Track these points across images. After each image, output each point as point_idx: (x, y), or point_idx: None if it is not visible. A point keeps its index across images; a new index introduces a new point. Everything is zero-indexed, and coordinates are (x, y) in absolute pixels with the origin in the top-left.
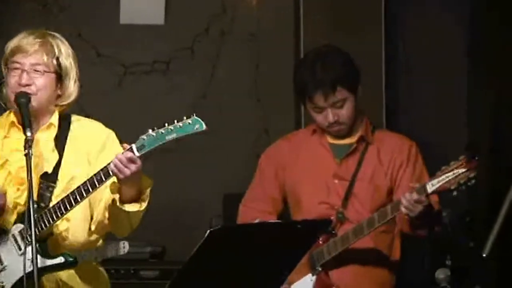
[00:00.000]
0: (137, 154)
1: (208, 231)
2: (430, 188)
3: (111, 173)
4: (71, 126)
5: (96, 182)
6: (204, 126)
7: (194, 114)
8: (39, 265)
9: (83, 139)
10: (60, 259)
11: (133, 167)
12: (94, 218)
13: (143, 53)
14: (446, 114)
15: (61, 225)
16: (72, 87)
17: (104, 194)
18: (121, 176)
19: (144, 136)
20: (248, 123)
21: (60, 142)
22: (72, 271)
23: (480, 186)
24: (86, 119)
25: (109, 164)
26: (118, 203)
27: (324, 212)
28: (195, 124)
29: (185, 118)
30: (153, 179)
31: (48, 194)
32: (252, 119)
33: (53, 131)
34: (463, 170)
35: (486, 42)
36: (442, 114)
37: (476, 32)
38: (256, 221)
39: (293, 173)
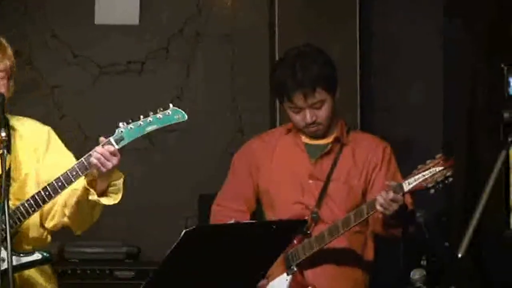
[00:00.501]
0: (116, 146)
1: (184, 231)
2: (406, 186)
3: (88, 167)
4: (14, 125)
5: (72, 177)
6: (186, 116)
7: (171, 105)
8: (14, 263)
9: (29, 137)
10: (37, 256)
11: (115, 160)
12: (51, 215)
13: (118, 54)
14: (421, 114)
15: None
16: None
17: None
18: (103, 169)
19: (121, 129)
20: (223, 123)
21: (8, 140)
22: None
23: (456, 186)
24: (24, 117)
25: (86, 158)
26: (94, 197)
27: (298, 212)
28: (175, 114)
29: (161, 109)
30: (129, 180)
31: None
32: (227, 119)
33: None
34: (440, 168)
35: (460, 42)
36: (417, 114)
37: (449, 31)
38: (231, 221)
39: (267, 173)
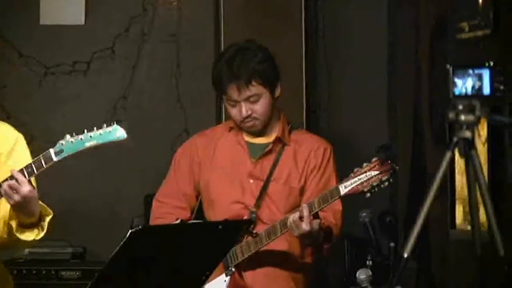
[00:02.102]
0: (55, 159)
1: (129, 231)
2: (343, 190)
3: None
4: None
5: None
6: (125, 135)
7: (115, 122)
8: None
9: None
10: None
11: (22, 191)
12: None
13: (63, 54)
14: (366, 114)
15: None
16: None
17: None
18: (10, 201)
19: (62, 141)
20: (168, 123)
21: None
22: None
23: (401, 186)
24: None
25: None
26: (14, 230)
27: (237, 211)
28: (115, 132)
29: (105, 125)
30: (75, 180)
31: None
32: (172, 119)
33: None
34: (376, 172)
35: (404, 42)
36: (362, 114)
37: (394, 33)
38: (177, 221)
39: (208, 170)
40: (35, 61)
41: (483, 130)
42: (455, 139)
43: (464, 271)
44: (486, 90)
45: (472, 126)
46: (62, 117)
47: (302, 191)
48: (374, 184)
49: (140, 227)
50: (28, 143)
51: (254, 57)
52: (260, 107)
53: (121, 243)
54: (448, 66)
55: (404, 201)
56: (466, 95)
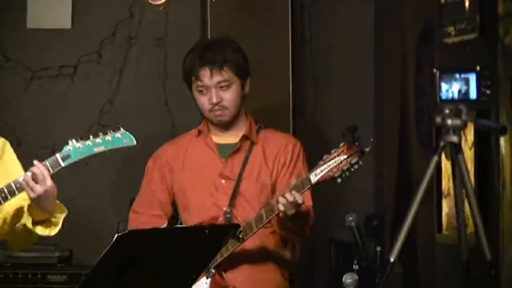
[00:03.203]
0: (62, 164)
1: (116, 235)
2: (313, 178)
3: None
4: None
5: (15, 190)
6: (135, 141)
7: (121, 128)
8: None
9: None
10: None
11: (46, 184)
12: None
13: (50, 58)
14: (352, 119)
15: None
16: None
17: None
18: (32, 194)
19: (69, 147)
20: (155, 128)
21: None
22: None
23: (388, 191)
24: None
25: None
26: (28, 223)
27: (213, 213)
28: (125, 138)
29: (111, 131)
30: (61, 183)
31: None
32: (159, 123)
33: None
34: (345, 156)
35: (391, 48)
36: (348, 119)
37: (381, 38)
38: (164, 226)
39: (180, 176)
40: (22, 65)
41: (470, 134)
42: (442, 144)
43: (450, 275)
44: (473, 94)
45: (459, 130)
46: (49, 121)
47: (273, 188)
48: (344, 168)
49: (126, 231)
50: (15, 148)
51: (228, 47)
52: (229, 95)
53: (108, 247)
54: (434, 70)
55: (391, 205)
56: (452, 100)
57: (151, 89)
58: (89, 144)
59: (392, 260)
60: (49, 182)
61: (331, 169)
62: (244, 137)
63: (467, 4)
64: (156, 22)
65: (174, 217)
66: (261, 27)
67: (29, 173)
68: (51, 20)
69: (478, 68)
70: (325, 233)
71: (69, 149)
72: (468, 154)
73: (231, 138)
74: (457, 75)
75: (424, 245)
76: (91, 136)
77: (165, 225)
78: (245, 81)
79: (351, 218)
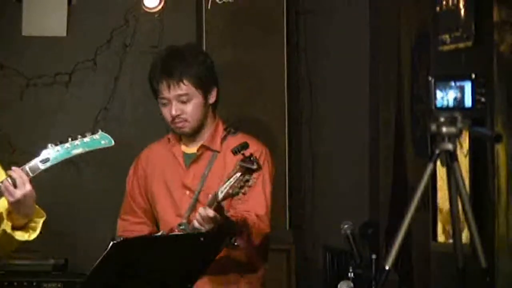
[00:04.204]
0: (41, 167)
1: (111, 243)
2: (220, 195)
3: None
4: None
5: None
6: (112, 142)
7: (100, 130)
8: None
9: None
10: None
11: (24, 189)
12: None
13: (45, 65)
14: (347, 127)
15: None
16: None
17: None
18: (11, 199)
19: (48, 150)
20: (150, 135)
21: None
22: None
23: (383, 198)
24: None
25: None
26: (9, 230)
27: (176, 224)
28: (103, 139)
29: (90, 133)
30: (56, 191)
31: None
32: (154, 131)
33: None
34: (239, 174)
35: (386, 55)
36: (344, 127)
37: (376, 45)
38: (160, 233)
39: (152, 183)
40: (17, 73)
41: (465, 142)
42: (437, 151)
43: (446, 283)
44: (468, 102)
45: (454, 138)
46: (44, 129)
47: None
48: (239, 185)
49: (121, 239)
50: (10, 155)
51: (189, 58)
52: (189, 108)
53: (103, 255)
54: (430, 78)
55: (386, 213)
56: (448, 107)
57: (146, 97)
58: (67, 147)
59: (387, 268)
60: (28, 186)
61: (231, 186)
62: (203, 147)
63: (462, 12)
64: (151, 30)
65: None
66: (256, 34)
67: (8, 179)
68: (46, 27)
69: (473, 76)
70: (320, 241)
71: (48, 153)
72: (463, 162)
73: (195, 147)
74: (452, 83)
75: (419, 253)
76: (69, 139)
77: (148, 231)
78: (209, 92)
79: (346, 226)
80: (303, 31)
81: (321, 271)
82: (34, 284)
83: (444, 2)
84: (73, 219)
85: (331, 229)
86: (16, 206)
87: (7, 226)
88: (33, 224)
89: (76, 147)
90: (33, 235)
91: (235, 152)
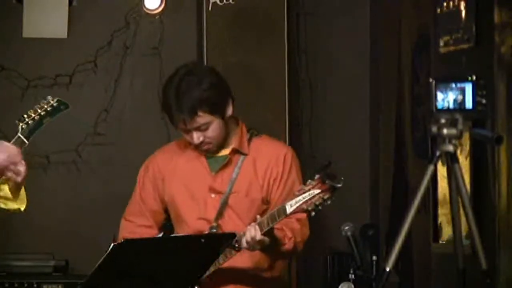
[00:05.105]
0: (27, 142)
1: (112, 244)
2: (288, 209)
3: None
4: None
5: None
6: (68, 105)
7: (50, 97)
8: None
9: None
10: None
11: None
12: None
13: (46, 67)
14: (348, 129)
15: None
16: None
17: None
18: (19, 179)
19: (23, 125)
20: (151, 137)
21: None
22: None
23: (384, 200)
24: None
25: None
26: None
27: (202, 227)
28: (60, 105)
29: (44, 101)
30: (56, 192)
31: None
32: (155, 133)
33: None
34: (318, 191)
35: (386, 57)
36: (344, 129)
37: (376, 47)
38: (159, 235)
39: (171, 186)
40: (17, 74)
41: (465, 144)
42: (437, 153)
43: (446, 284)
44: (469, 104)
45: (455, 140)
46: (44, 131)
47: (265, 200)
48: (317, 203)
49: (122, 240)
50: None
51: (197, 87)
52: (211, 133)
53: (104, 256)
54: (430, 80)
55: (386, 215)
56: (448, 109)
57: (146, 99)
58: (37, 118)
59: (388, 269)
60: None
61: (305, 202)
62: (234, 150)
63: (463, 13)
64: (152, 32)
65: (168, 225)
66: (257, 36)
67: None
68: (47, 29)
69: (474, 77)
70: (321, 242)
71: (23, 127)
72: (464, 163)
73: (221, 150)
74: (453, 85)
75: (420, 254)
76: (29, 111)
77: (154, 235)
78: (225, 110)
79: (347, 228)
80: (304, 33)
81: (321, 272)
82: (35, 285)
83: (444, 4)
84: (73, 220)
85: (332, 230)
86: (19, 186)
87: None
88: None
89: (45, 116)
90: (23, 206)
91: (323, 179)
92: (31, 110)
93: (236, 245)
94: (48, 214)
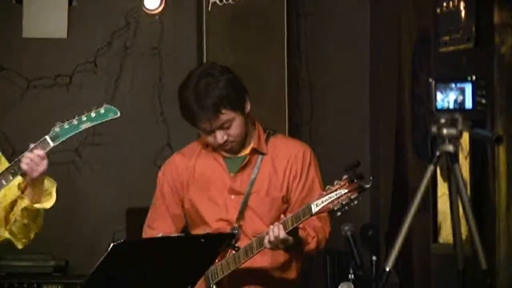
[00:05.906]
0: (51, 144)
1: (111, 244)
2: (314, 208)
3: (18, 171)
4: None
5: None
6: (118, 113)
7: (104, 104)
8: None
9: None
10: None
11: (44, 164)
12: None
13: (46, 67)
14: (348, 128)
15: None
16: None
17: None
18: (34, 174)
19: (56, 128)
20: (151, 137)
21: None
22: None
23: (383, 200)
24: None
25: (15, 163)
26: (28, 202)
27: (222, 229)
28: (108, 112)
29: (96, 107)
30: (57, 192)
31: None
32: (155, 133)
33: None
34: (345, 191)
35: (386, 57)
36: (344, 128)
37: (376, 47)
38: (159, 235)
39: (190, 189)
40: (17, 74)
41: (465, 144)
42: (437, 153)
43: (446, 285)
44: (469, 104)
45: (455, 140)
46: (44, 130)
47: (285, 199)
48: (344, 202)
49: (122, 240)
50: (10, 157)
51: (215, 88)
52: (234, 130)
53: (103, 256)
54: (430, 80)
55: (386, 215)
56: (448, 109)
57: (146, 99)
58: (75, 123)
59: (387, 269)
60: (46, 161)
61: (332, 201)
62: (253, 150)
63: (463, 13)
64: (152, 32)
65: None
66: (257, 37)
67: (29, 157)
68: (47, 29)
69: (473, 77)
70: None
71: (57, 130)
72: (464, 163)
73: (241, 150)
74: (453, 85)
75: (420, 254)
76: (75, 116)
77: None
78: (244, 106)
79: (346, 228)
80: (303, 33)
81: (321, 272)
82: (35, 285)
83: (444, 4)
84: (73, 221)
85: (332, 230)
86: (36, 181)
87: (24, 202)
88: (47, 193)
89: (84, 122)
90: (51, 202)
91: (351, 179)
92: (78, 115)
93: (236, 246)
94: (47, 214)
